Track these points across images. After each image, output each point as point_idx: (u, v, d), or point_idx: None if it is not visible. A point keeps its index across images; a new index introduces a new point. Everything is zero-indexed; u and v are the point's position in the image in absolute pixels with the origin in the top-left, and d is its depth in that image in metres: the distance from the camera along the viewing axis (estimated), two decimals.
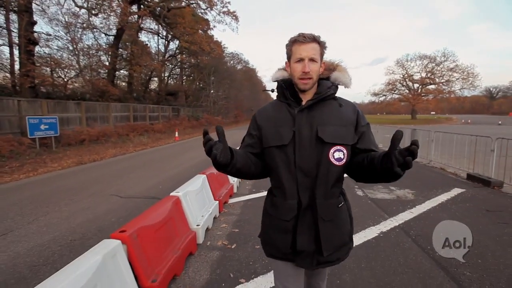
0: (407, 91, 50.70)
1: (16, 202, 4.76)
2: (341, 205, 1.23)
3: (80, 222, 3.82)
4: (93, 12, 15.55)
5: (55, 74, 17.79)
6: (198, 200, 3.40)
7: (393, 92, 51.91)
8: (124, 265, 1.86)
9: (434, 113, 78.68)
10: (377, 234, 3.33)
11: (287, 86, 1.25)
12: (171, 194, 3.03)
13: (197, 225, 3.05)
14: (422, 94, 49.18)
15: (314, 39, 1.16)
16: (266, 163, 1.26)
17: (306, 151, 1.16)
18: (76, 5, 14.92)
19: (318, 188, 1.16)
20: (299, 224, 1.18)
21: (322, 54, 1.21)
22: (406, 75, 49.20)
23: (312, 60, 1.15)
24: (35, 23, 15.17)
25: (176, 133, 17.80)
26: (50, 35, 15.85)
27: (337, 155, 1.15)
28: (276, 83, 1.32)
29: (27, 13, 14.52)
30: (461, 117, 60.26)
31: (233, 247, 3.03)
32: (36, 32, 15.16)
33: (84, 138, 13.73)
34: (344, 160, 1.16)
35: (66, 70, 18.04)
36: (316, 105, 1.20)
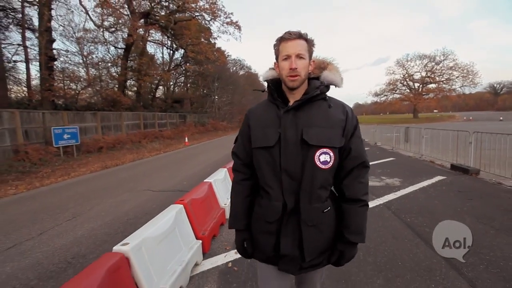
0: (408, 90, 51.46)
1: (69, 197, 5.76)
2: (327, 210, 1.18)
3: (128, 208, 4.78)
4: (110, 30, 16.77)
5: (67, 86, 19.04)
6: (223, 187, 4.34)
7: (394, 92, 52.69)
8: (186, 220, 2.81)
9: (437, 111, 78.98)
10: None
11: (275, 87, 1.25)
12: (204, 181, 3.98)
13: (225, 204, 3.99)
14: (423, 93, 49.86)
15: (301, 36, 1.14)
16: (254, 163, 1.26)
17: (291, 154, 1.13)
18: (95, 25, 16.14)
19: (302, 192, 1.14)
20: (283, 227, 1.17)
21: (310, 52, 1.18)
22: (406, 74, 50.04)
23: (299, 56, 1.13)
24: (54, 40, 16.44)
25: (186, 138, 18.82)
26: (67, 51, 17.01)
27: (323, 158, 1.12)
28: (266, 83, 1.30)
29: (47, 32, 15.74)
30: (464, 114, 60.65)
31: None
32: (55, 49, 16.44)
33: (102, 146, 14.73)
34: (331, 163, 1.14)
35: (79, 83, 19.33)
36: (303, 106, 1.17)
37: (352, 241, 1.18)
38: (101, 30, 16.75)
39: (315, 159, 1.11)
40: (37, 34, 16.80)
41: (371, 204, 4.47)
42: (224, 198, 4.15)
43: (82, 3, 14.84)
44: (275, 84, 1.25)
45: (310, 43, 1.17)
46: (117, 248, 1.85)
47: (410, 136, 10.30)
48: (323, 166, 1.12)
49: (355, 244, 1.21)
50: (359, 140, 1.22)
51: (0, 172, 8.75)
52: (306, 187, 1.13)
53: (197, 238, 2.85)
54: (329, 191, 1.20)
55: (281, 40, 1.16)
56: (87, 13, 15.72)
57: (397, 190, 5.27)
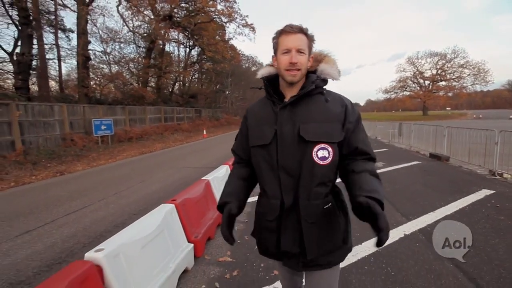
0: (418, 88, 51.95)
1: (129, 171, 7.65)
2: (327, 206, 1.15)
3: (177, 177, 6.61)
4: (143, 35, 18.74)
5: (95, 82, 21.18)
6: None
7: (404, 89, 53.24)
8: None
9: (449, 109, 78.47)
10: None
11: (270, 83, 1.22)
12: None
13: None
14: (433, 91, 50.27)
15: (301, 30, 1.12)
16: (253, 162, 1.26)
17: (289, 150, 1.12)
18: (130, 30, 18.13)
19: (301, 189, 1.12)
20: (282, 225, 1.17)
21: (310, 48, 1.16)
22: (417, 72, 50.56)
23: (299, 51, 1.11)
24: (89, 42, 18.53)
25: (204, 131, 20.71)
26: (104, 52, 19.08)
27: (321, 153, 1.10)
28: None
29: (84, 35, 17.78)
30: (475, 112, 60.51)
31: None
32: (90, 50, 18.57)
33: (132, 136, 16.67)
34: (330, 159, 1.11)
35: (105, 79, 21.48)
36: (300, 101, 1.15)
37: (369, 195, 1.00)
38: (136, 35, 18.67)
39: (313, 155, 1.10)
40: (67, 34, 19.10)
41: None
42: None
43: (120, 12, 16.75)
44: (271, 80, 1.23)
45: (310, 39, 1.16)
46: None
47: (403, 131, 11.79)
48: (321, 162, 1.10)
49: (377, 202, 0.99)
50: (363, 133, 1.19)
51: (60, 155, 10.80)
52: (305, 183, 1.12)
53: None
54: (329, 187, 1.17)
55: (281, 33, 1.14)
56: (124, 20, 17.68)
57: (377, 169, 6.87)
